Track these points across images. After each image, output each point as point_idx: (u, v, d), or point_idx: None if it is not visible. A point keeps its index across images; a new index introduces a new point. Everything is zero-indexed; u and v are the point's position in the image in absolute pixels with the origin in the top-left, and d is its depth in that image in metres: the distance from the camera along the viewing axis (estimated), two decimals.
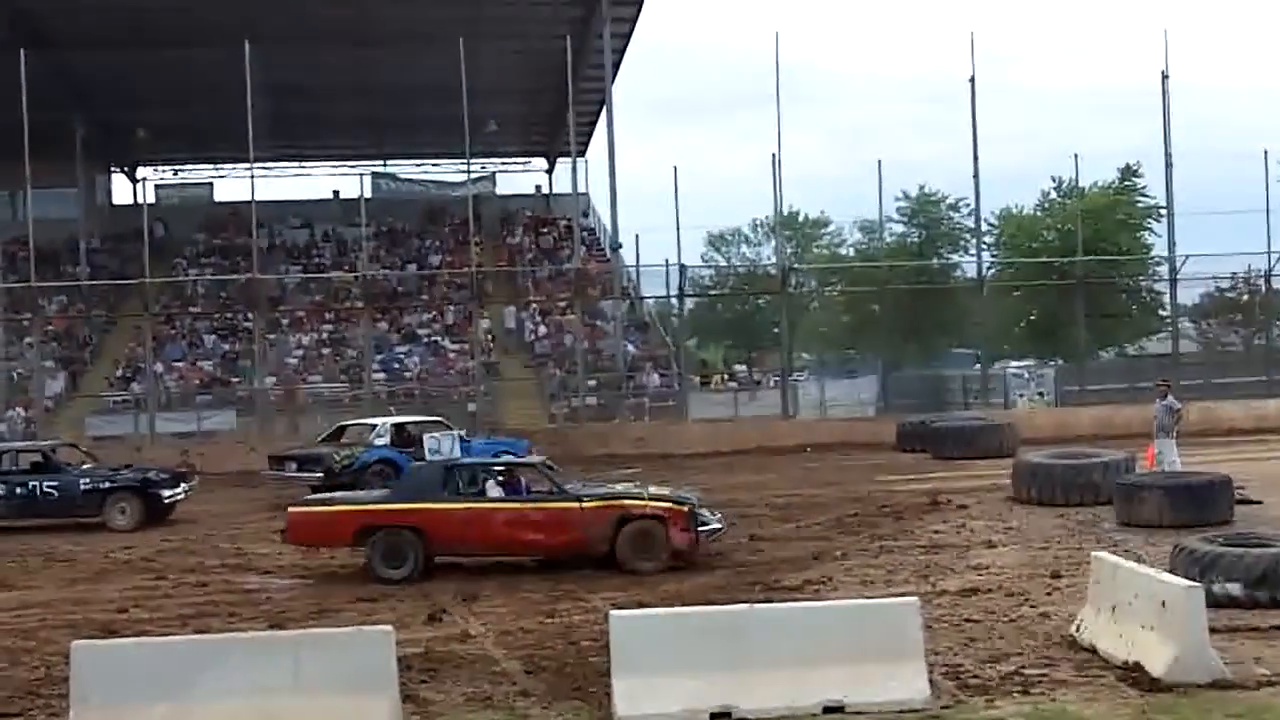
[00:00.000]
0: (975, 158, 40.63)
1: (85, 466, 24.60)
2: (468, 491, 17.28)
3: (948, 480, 25.71)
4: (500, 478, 17.62)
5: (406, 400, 39.82)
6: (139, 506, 23.05)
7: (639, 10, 43.46)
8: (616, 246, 42.98)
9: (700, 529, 16.60)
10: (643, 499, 16.86)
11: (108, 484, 23.23)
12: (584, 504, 16.68)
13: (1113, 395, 38.92)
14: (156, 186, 59.65)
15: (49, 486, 23.26)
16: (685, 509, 16.60)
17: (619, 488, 17.91)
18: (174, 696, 9.55)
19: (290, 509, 17.92)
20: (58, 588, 17.30)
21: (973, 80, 40.17)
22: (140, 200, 54.24)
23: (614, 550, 16.45)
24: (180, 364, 44.20)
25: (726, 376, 44.63)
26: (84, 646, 10.11)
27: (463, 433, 29.43)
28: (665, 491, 17.45)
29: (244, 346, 44.27)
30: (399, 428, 28.30)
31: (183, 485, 24.05)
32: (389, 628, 10.24)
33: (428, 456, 19.27)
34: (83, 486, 23.19)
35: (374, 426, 28.30)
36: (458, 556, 17.00)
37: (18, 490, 23.32)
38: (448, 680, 11.37)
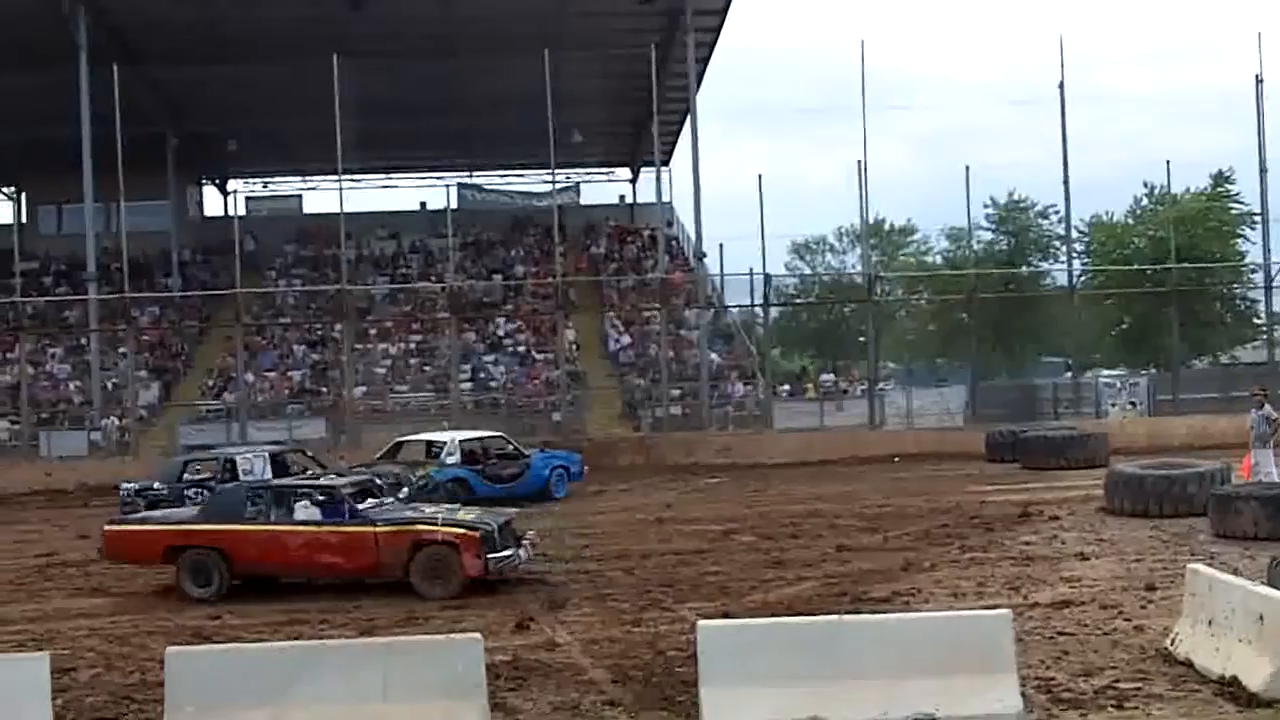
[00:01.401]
0: (1065, 164, 40.35)
1: (309, 474, 25.02)
2: (274, 514, 17.13)
3: (1038, 491, 25.40)
4: (321, 498, 17.27)
5: (493, 410, 40.00)
6: None
7: (723, 20, 43.48)
8: (701, 256, 42.96)
9: (492, 556, 16.17)
10: (435, 524, 16.56)
11: None
12: (378, 529, 16.50)
13: (1207, 405, 38.21)
14: (247, 199, 60.41)
15: None
16: (477, 535, 16.26)
17: (428, 510, 17.63)
18: (266, 703, 9.64)
19: (106, 526, 18.28)
20: (151, 593, 17.57)
21: (1062, 85, 39.84)
22: (231, 212, 54.99)
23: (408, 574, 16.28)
24: (271, 373, 44.80)
25: (818, 384, 44.37)
26: (178, 653, 10.22)
27: (518, 445, 29.48)
28: (469, 517, 17.06)
29: (333, 356, 44.79)
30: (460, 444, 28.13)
31: None
32: (477, 635, 10.26)
33: (240, 477, 19.13)
34: None
35: (432, 444, 27.96)
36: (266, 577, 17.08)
37: None
38: (535, 688, 11.41)
